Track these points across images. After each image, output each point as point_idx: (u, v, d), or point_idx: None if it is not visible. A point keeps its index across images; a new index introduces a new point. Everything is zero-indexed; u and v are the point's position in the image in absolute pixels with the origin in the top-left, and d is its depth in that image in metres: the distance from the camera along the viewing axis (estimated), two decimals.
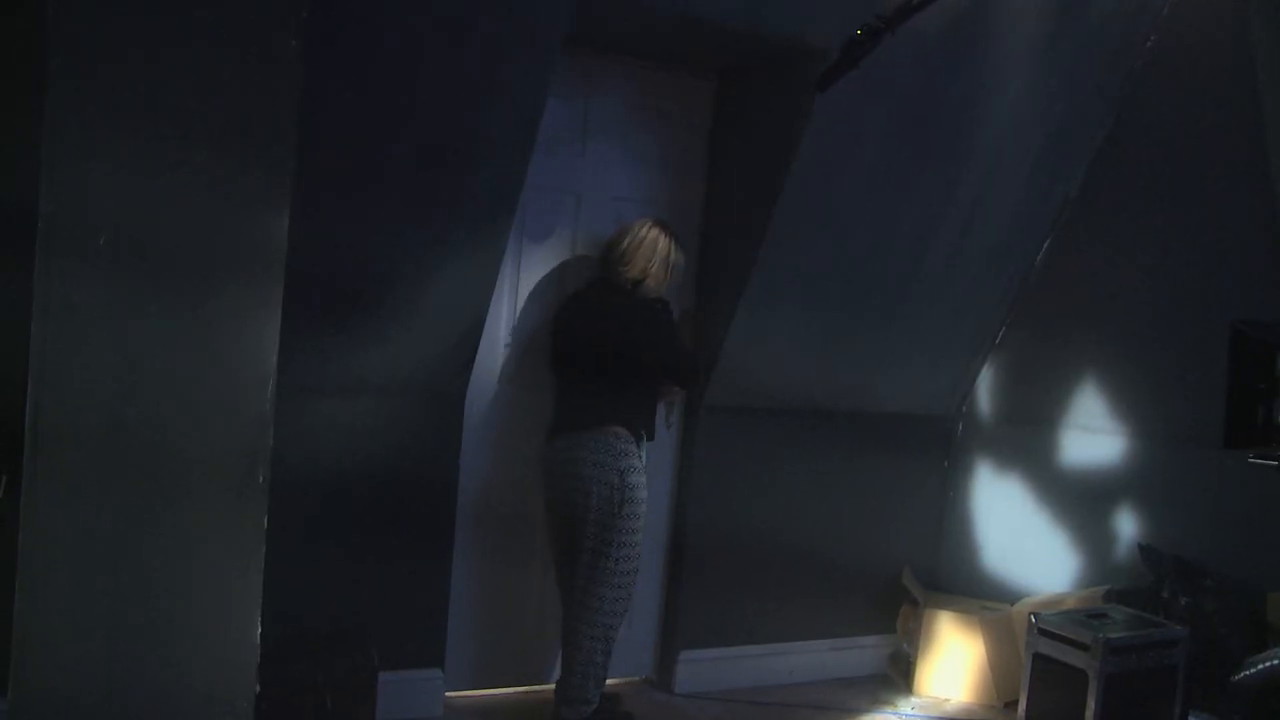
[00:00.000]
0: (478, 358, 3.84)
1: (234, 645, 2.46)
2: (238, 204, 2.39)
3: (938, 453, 4.86)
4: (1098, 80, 4.21)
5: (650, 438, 3.80)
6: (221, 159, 2.36)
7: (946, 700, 4.41)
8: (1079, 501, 4.39)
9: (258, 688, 2.49)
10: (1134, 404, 4.22)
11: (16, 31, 2.29)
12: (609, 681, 3.86)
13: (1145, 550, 4.00)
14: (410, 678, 3.82)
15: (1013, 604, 4.46)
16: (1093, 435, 4.31)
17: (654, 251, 3.73)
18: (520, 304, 4.00)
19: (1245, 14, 3.65)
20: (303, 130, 2.46)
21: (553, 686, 3.82)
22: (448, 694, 3.94)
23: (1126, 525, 4.21)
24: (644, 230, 3.75)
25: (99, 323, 2.28)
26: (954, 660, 4.40)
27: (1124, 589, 4.04)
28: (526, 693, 4.09)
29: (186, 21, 2.31)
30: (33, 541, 2.26)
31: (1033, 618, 3.85)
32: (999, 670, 4.35)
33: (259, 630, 2.48)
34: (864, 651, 4.71)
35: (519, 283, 3.99)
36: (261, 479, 2.43)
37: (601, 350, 3.71)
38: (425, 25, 3.19)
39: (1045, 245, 4.55)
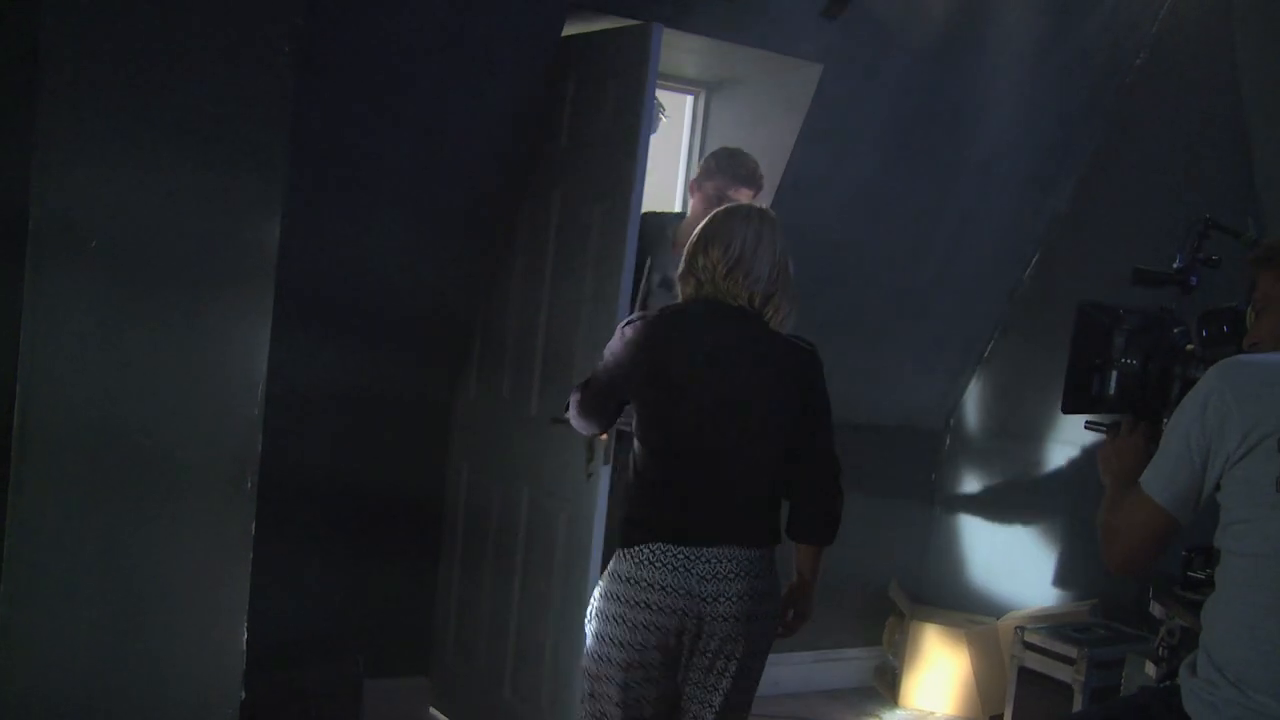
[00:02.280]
0: (468, 367, 3.84)
1: (220, 651, 2.46)
2: (230, 210, 2.39)
3: (925, 465, 4.87)
4: (1088, 97, 4.23)
5: None
6: (214, 165, 2.36)
7: (931, 713, 4.42)
8: (1065, 515, 4.41)
9: (243, 694, 2.49)
10: None
11: (9, 35, 2.29)
12: None
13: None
14: (396, 685, 3.82)
15: (999, 617, 4.47)
16: (1080, 450, 4.33)
17: (774, 256, 2.50)
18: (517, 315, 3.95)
19: (1232, 34, 3.68)
20: (295, 137, 2.47)
21: None
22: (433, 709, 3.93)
23: None
24: (756, 223, 2.52)
25: (89, 327, 2.28)
26: (939, 673, 4.41)
27: (1110, 603, 4.06)
28: None
29: (180, 27, 2.31)
30: (18, 545, 2.26)
31: (1019, 631, 3.86)
32: (984, 684, 4.36)
33: (245, 636, 2.47)
34: (849, 663, 4.71)
35: (511, 291, 3.97)
36: (250, 484, 2.43)
37: (759, 418, 2.45)
38: (418, 33, 3.20)
39: (1034, 260, 4.57)
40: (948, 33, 3.82)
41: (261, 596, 2.54)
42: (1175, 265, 2.67)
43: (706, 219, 2.55)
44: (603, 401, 2.61)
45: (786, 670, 4.54)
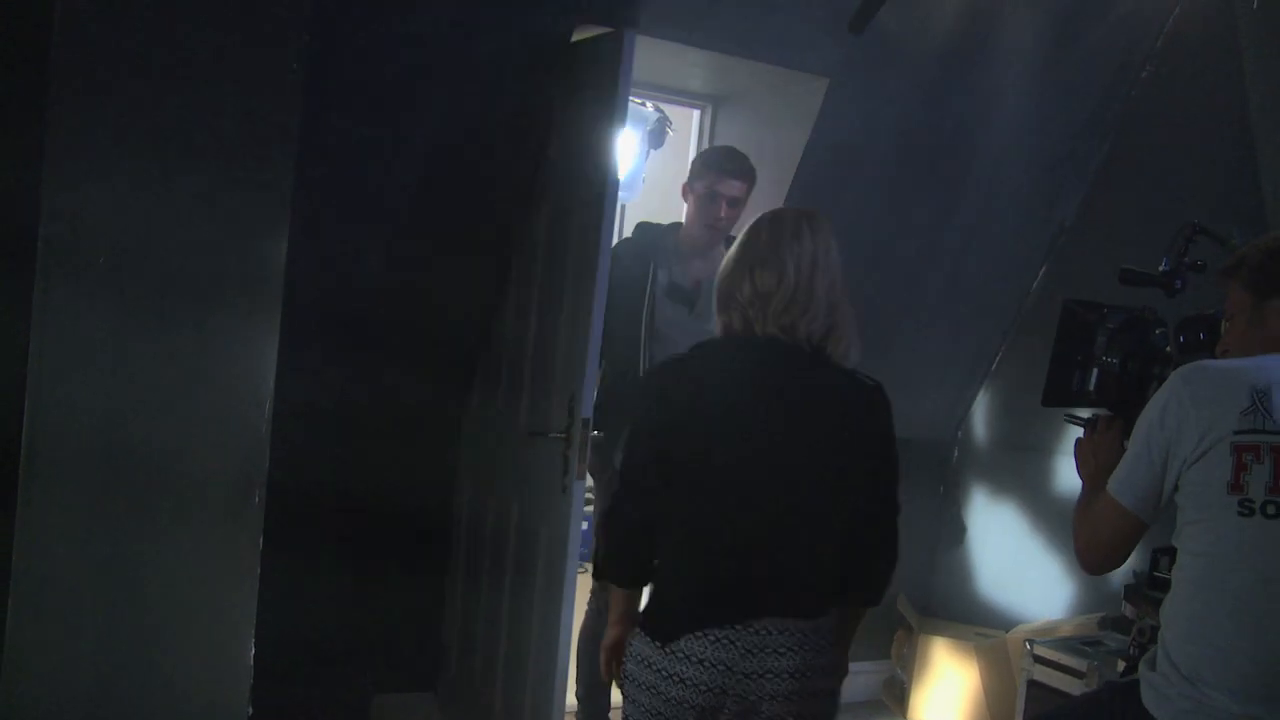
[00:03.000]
0: (473, 382, 3.84)
1: (228, 666, 2.45)
2: (237, 225, 2.40)
3: (933, 477, 4.86)
4: (1094, 109, 4.23)
5: None
6: (221, 181, 2.37)
7: None
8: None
9: (251, 709, 2.49)
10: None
11: (19, 50, 2.30)
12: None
13: (1140, 577, 4.01)
14: (403, 700, 3.81)
15: (1007, 630, 4.45)
16: None
17: (834, 277, 2.14)
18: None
19: (1238, 46, 3.68)
20: (304, 151, 2.47)
21: None
22: None
23: None
24: (809, 239, 2.12)
25: (97, 342, 2.28)
26: (948, 687, 4.39)
27: (1119, 616, 4.04)
28: None
29: (188, 44, 2.32)
30: (26, 560, 2.26)
31: (1028, 644, 3.84)
32: (993, 697, 4.34)
33: (253, 651, 2.47)
34: (857, 677, 4.69)
35: (508, 306, 3.96)
36: (257, 499, 2.43)
37: (816, 473, 2.10)
38: (423, 48, 3.21)
39: (1041, 271, 4.57)
40: (953, 46, 3.82)
41: (269, 611, 2.54)
42: (1162, 268, 2.72)
43: (746, 236, 2.16)
44: (644, 505, 2.11)
45: None
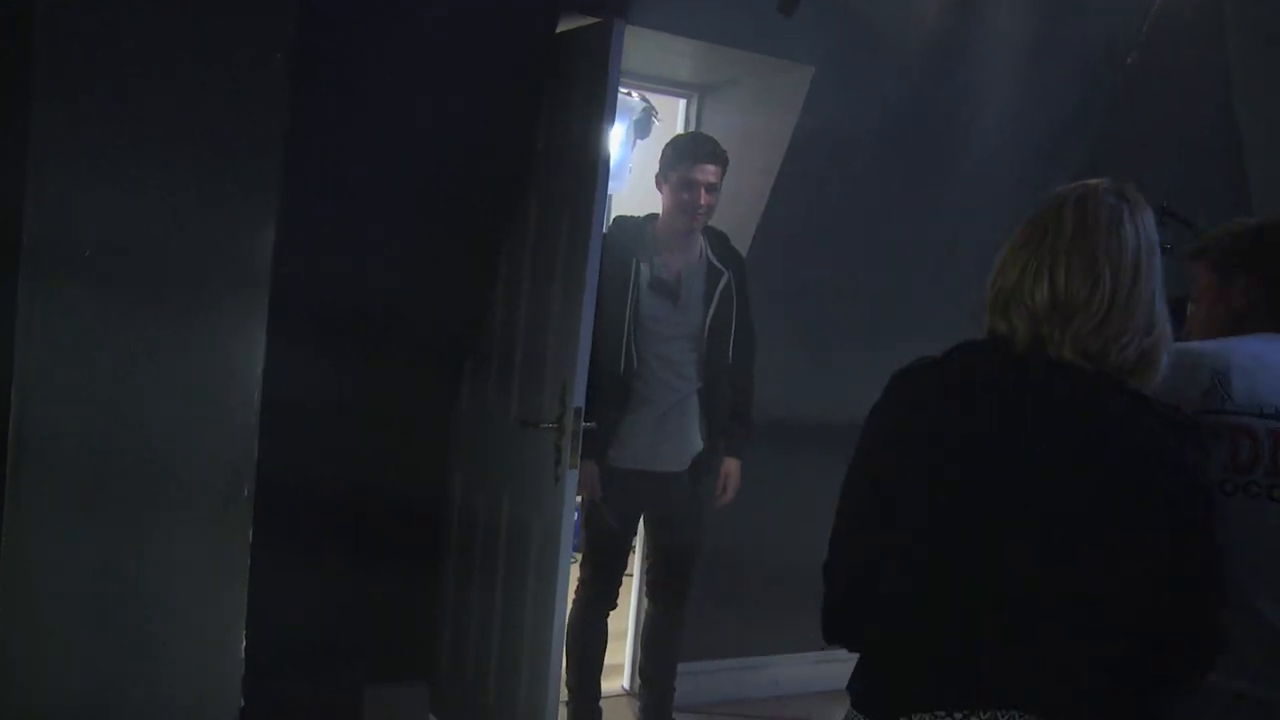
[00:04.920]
0: (462, 375, 3.83)
1: (219, 660, 2.46)
2: (223, 221, 2.39)
3: None
4: (1080, 98, 4.24)
5: None
6: (207, 177, 2.36)
7: None
8: None
9: (242, 702, 2.49)
10: None
11: (3, 47, 2.30)
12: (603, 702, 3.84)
13: None
14: (396, 692, 3.82)
15: None
16: None
17: (1159, 280, 1.63)
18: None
19: (1222, 35, 3.70)
20: (295, 147, 2.47)
21: None
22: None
23: None
24: (1130, 230, 1.62)
25: (84, 338, 2.28)
26: None
27: None
28: None
29: (173, 41, 2.31)
30: (15, 556, 2.26)
31: None
32: None
33: (244, 644, 2.48)
34: (850, 664, 4.69)
35: (498, 300, 3.95)
36: (246, 493, 2.44)
37: (1098, 536, 1.55)
38: (413, 41, 3.21)
39: None
40: (939, 35, 3.83)
41: (261, 604, 2.54)
42: None
43: (1042, 218, 1.66)
44: (862, 537, 1.72)
45: (787, 671, 4.55)
